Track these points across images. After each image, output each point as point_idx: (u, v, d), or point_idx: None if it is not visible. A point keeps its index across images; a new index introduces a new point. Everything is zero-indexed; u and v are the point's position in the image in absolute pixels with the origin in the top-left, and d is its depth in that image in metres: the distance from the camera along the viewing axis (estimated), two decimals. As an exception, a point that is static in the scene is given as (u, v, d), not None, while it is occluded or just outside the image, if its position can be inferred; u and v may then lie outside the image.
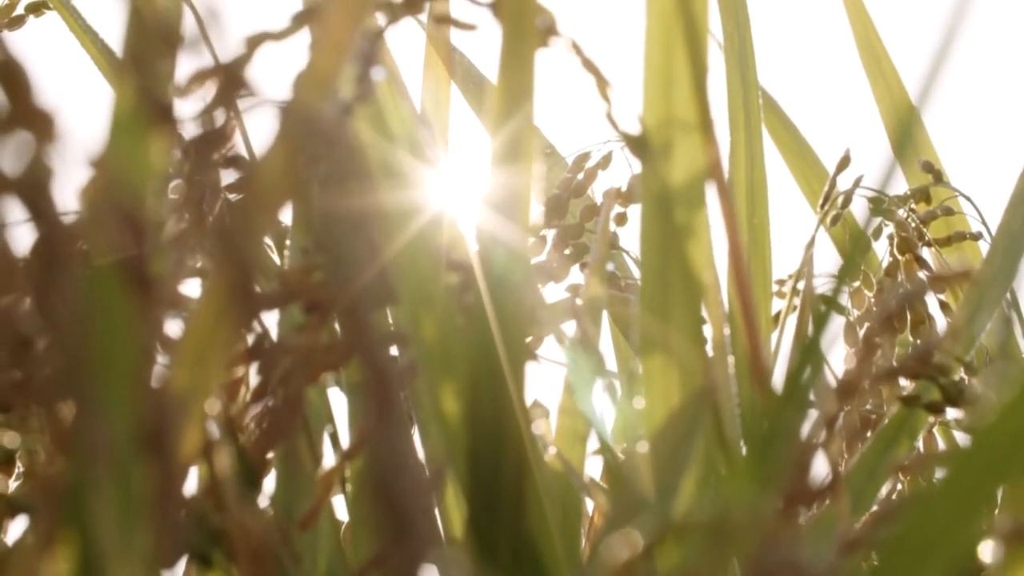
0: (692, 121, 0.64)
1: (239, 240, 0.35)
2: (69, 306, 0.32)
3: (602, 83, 0.64)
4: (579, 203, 0.92)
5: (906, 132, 0.78)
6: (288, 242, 0.78)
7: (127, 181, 0.37)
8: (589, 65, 0.64)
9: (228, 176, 0.83)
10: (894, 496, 0.81)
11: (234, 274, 0.34)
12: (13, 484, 0.70)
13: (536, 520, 0.60)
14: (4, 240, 0.40)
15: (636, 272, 0.97)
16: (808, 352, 0.46)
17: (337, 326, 0.69)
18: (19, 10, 0.96)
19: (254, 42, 0.55)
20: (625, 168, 0.90)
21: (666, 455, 0.61)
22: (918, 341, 0.85)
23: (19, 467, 0.70)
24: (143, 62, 0.39)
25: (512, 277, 0.61)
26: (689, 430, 0.62)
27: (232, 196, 0.83)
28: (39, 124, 0.32)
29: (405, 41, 0.70)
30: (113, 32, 0.97)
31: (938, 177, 0.98)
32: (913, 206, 0.95)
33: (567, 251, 0.89)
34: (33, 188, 0.34)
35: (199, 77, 0.54)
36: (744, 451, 0.69)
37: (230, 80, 0.57)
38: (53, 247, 0.33)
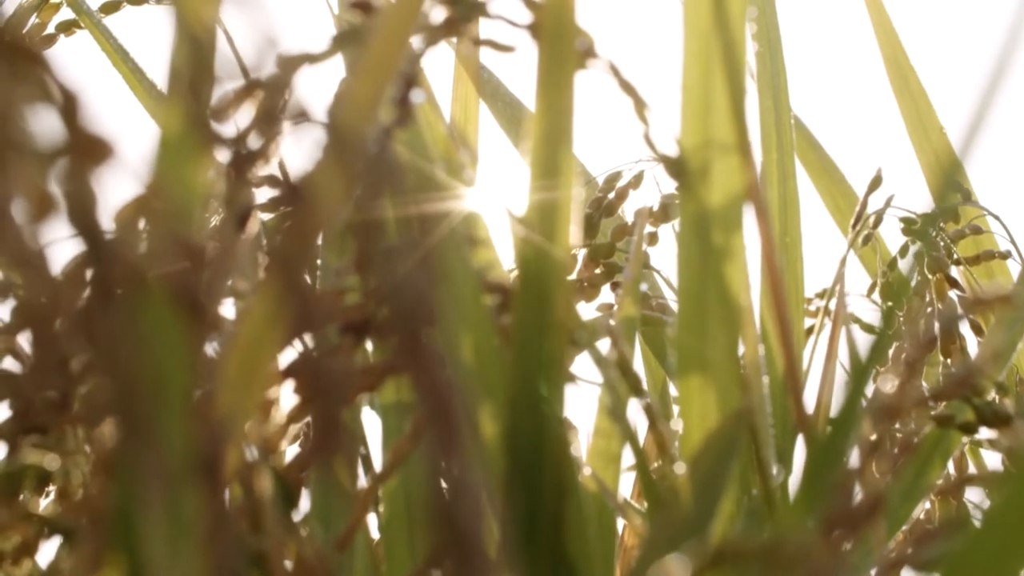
0: (729, 142, 0.63)
1: (290, 261, 0.35)
2: (122, 329, 0.32)
3: (640, 104, 0.64)
4: (610, 222, 0.92)
5: (950, 178, 0.77)
6: (319, 262, 0.78)
7: (179, 204, 0.37)
8: (627, 87, 0.64)
9: (265, 196, 0.83)
10: (927, 517, 0.81)
11: (288, 296, 0.33)
12: (44, 504, 0.70)
13: (575, 542, 0.59)
14: (45, 263, 0.40)
15: (667, 292, 0.97)
16: (861, 378, 0.45)
17: (377, 347, 0.69)
18: (50, 29, 0.96)
19: (293, 64, 0.55)
20: (656, 188, 0.90)
21: (704, 476, 0.61)
22: (949, 362, 0.85)
23: (51, 488, 0.70)
24: (195, 84, 0.38)
25: (550, 297, 0.61)
26: (726, 451, 0.62)
27: (269, 217, 0.83)
28: (95, 151, 0.32)
29: (433, 60, 0.70)
30: (145, 52, 0.97)
31: (966, 196, 0.98)
32: (942, 225, 0.95)
33: (598, 270, 0.88)
34: (86, 213, 0.33)
35: (239, 98, 0.54)
36: (777, 471, 0.68)
37: (270, 101, 0.57)
38: (106, 271, 0.32)
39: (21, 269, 0.39)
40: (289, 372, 0.65)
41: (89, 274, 0.34)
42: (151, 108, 0.96)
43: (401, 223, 0.59)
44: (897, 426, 0.57)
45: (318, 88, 0.57)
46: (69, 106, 0.31)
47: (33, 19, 0.95)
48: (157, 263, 0.36)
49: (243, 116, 0.55)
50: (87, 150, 0.31)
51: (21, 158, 0.33)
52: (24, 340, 0.61)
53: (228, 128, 0.44)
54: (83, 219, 0.33)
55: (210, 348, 0.40)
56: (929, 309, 0.90)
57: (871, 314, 0.90)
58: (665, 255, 0.94)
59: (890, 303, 0.85)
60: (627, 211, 0.92)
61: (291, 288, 0.34)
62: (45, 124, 0.33)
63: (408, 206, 0.36)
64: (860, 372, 0.46)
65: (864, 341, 0.66)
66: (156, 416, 0.32)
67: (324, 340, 0.34)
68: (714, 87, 0.64)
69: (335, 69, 0.72)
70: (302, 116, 0.38)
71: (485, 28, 0.65)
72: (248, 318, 0.49)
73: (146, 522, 0.41)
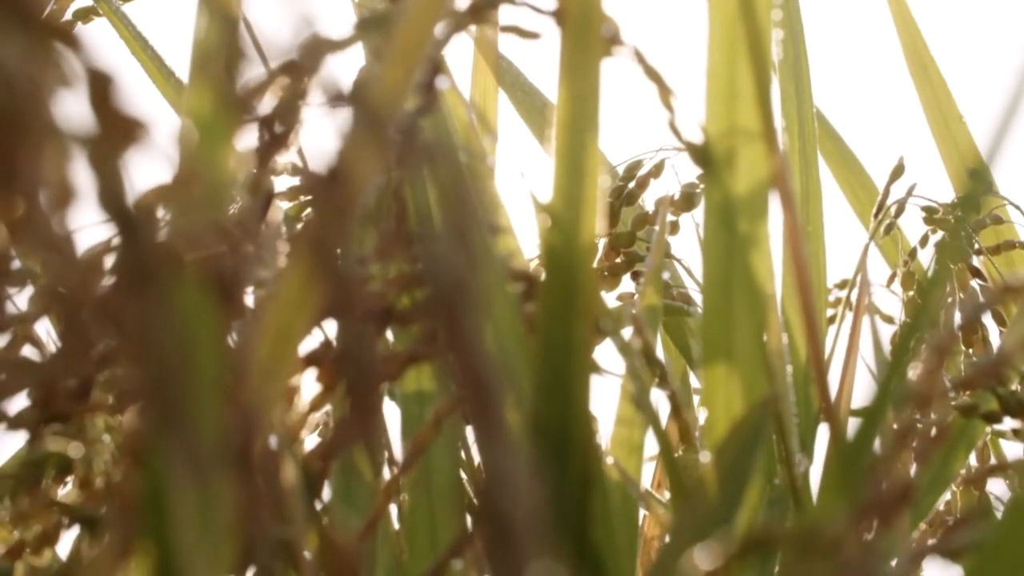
0: (755, 129, 0.63)
1: (323, 244, 0.35)
2: (155, 315, 0.31)
3: (664, 91, 0.63)
4: (630, 211, 0.92)
5: (973, 169, 0.77)
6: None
7: (211, 187, 0.37)
8: (652, 73, 0.63)
9: (288, 182, 0.82)
10: (948, 508, 0.81)
11: (322, 279, 0.33)
12: (64, 492, 0.69)
13: (600, 532, 0.59)
14: (72, 248, 0.39)
15: (687, 281, 0.96)
16: (896, 367, 0.45)
17: (398, 335, 0.69)
18: (67, 16, 0.96)
19: (320, 48, 0.55)
20: (676, 176, 0.89)
21: (729, 465, 0.61)
22: (972, 352, 0.84)
23: (71, 477, 0.70)
24: (228, 66, 0.38)
25: (575, 286, 0.60)
26: (752, 440, 0.61)
27: (288, 204, 0.83)
28: (128, 133, 0.32)
29: (452, 47, 0.70)
30: (164, 39, 0.96)
31: (988, 186, 0.97)
32: (961, 214, 0.94)
33: (618, 259, 0.88)
34: (118, 196, 0.33)
35: (268, 82, 0.54)
36: (799, 460, 0.68)
37: (297, 85, 0.57)
38: (139, 256, 0.32)
39: (47, 254, 0.38)
40: (317, 359, 0.65)
41: (119, 259, 0.33)
42: (170, 96, 0.95)
43: (433, 206, 0.59)
44: (921, 416, 0.57)
45: (341, 73, 0.56)
46: (102, 87, 0.30)
47: (51, 6, 0.94)
48: (190, 248, 0.36)
49: (268, 101, 0.55)
50: (120, 132, 0.31)
51: (51, 140, 0.33)
52: (43, 328, 0.60)
53: (255, 112, 0.44)
54: (115, 203, 0.32)
55: (240, 333, 0.40)
56: (951, 299, 0.90)
57: (892, 304, 0.90)
58: (686, 244, 0.93)
59: (914, 293, 0.85)
60: (647, 200, 0.91)
61: (325, 271, 0.33)
62: (76, 105, 0.33)
63: (441, 190, 0.36)
64: (896, 360, 0.46)
65: (886, 331, 0.66)
66: (189, 403, 0.31)
67: (356, 325, 0.33)
68: (739, 73, 0.64)
69: (355, 56, 0.71)
70: (331, 100, 0.38)
71: (509, 14, 0.64)
72: (275, 303, 0.49)
73: (176, 510, 0.41)
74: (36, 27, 0.31)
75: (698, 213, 0.90)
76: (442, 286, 0.34)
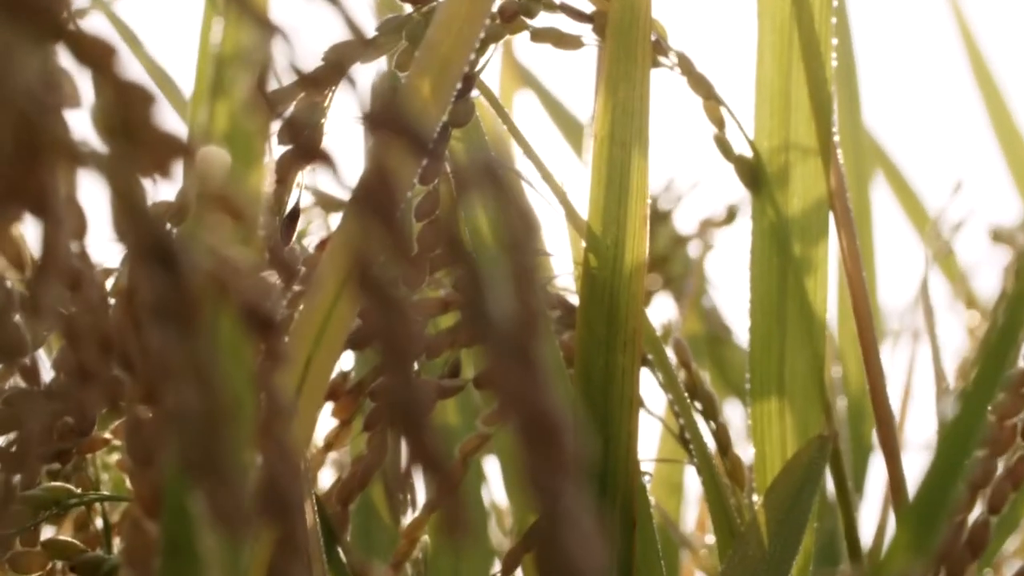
0: (811, 145, 0.62)
1: (368, 269, 0.34)
2: (197, 356, 0.30)
3: (712, 103, 0.63)
4: (663, 230, 0.91)
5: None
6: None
7: (242, 207, 0.36)
8: (699, 83, 0.63)
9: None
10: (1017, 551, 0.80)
11: (373, 307, 0.32)
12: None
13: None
14: (90, 277, 0.38)
15: (717, 302, 0.95)
16: (973, 407, 0.44)
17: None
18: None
19: (341, 52, 0.54)
20: (714, 193, 0.89)
21: (783, 509, 0.60)
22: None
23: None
24: (260, 75, 0.37)
25: (618, 312, 0.59)
26: (808, 481, 0.60)
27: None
28: (167, 152, 0.31)
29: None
30: (159, 41, 0.95)
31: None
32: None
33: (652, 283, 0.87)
34: (151, 219, 0.32)
35: (295, 90, 0.53)
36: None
37: (317, 89, 0.56)
38: (179, 292, 0.31)
39: (63, 283, 0.38)
40: (334, 392, 0.64)
41: (154, 293, 0.32)
42: (167, 98, 0.94)
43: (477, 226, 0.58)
44: (995, 458, 0.56)
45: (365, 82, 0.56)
46: (141, 105, 0.29)
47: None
48: (224, 279, 0.35)
49: (296, 111, 0.54)
50: (161, 154, 0.30)
51: (73, 162, 0.32)
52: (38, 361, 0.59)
53: (284, 126, 0.43)
54: (149, 231, 0.31)
55: (273, 366, 0.39)
56: None
57: (951, 329, 0.89)
58: (719, 265, 0.92)
59: (981, 319, 0.84)
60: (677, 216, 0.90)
61: (368, 297, 0.32)
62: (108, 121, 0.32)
63: (497, 209, 0.35)
64: (974, 397, 0.45)
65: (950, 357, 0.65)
66: (230, 446, 0.31)
67: (405, 356, 0.32)
68: (793, 84, 0.63)
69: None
70: (365, 112, 0.37)
71: (546, 20, 0.64)
72: (303, 332, 0.48)
73: (201, 558, 0.40)
74: (61, 37, 0.30)
75: (736, 233, 0.90)
76: (503, 316, 0.33)
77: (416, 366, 0.34)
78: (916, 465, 0.69)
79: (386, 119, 0.36)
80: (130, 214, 0.32)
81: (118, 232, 0.36)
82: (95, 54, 0.29)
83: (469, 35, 0.50)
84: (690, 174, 0.91)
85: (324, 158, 0.37)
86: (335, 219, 0.82)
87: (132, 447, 0.42)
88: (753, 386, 0.63)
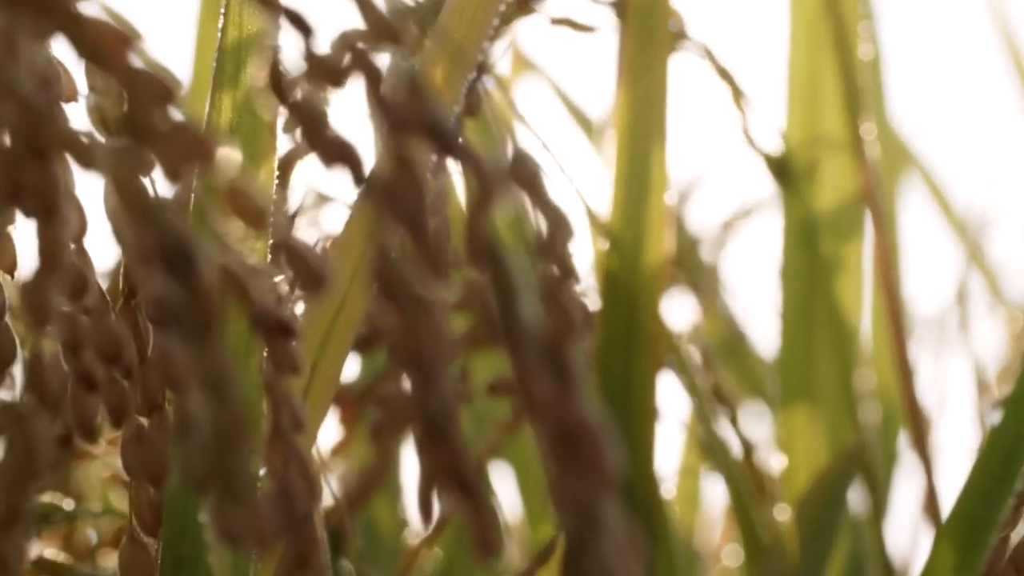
0: (842, 139, 0.62)
1: (392, 267, 0.33)
2: (215, 366, 0.30)
3: (738, 94, 0.62)
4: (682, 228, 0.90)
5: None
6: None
7: (257, 207, 0.35)
8: (724, 74, 0.62)
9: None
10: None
11: (396, 307, 0.31)
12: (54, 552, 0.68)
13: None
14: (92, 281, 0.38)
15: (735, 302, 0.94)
16: (1019, 411, 0.44)
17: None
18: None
19: (349, 41, 0.53)
20: (731, 189, 0.88)
21: (813, 523, 0.59)
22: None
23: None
24: (273, 68, 0.37)
25: (638, 315, 0.59)
26: (838, 494, 0.60)
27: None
28: (194, 151, 0.30)
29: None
30: (150, 30, 0.95)
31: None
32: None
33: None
34: (175, 226, 0.32)
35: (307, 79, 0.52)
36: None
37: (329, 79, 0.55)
38: (197, 299, 0.30)
39: (72, 290, 0.37)
40: (340, 397, 0.63)
41: (167, 299, 0.32)
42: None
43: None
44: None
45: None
46: (154, 96, 0.29)
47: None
48: (238, 284, 0.34)
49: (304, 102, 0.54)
50: (176, 148, 0.29)
51: (82, 160, 0.32)
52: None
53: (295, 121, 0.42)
54: (163, 227, 0.31)
55: (286, 373, 0.38)
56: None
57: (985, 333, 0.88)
58: (743, 263, 0.91)
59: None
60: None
61: (392, 295, 0.32)
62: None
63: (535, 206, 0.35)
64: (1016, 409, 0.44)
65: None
66: (244, 458, 0.30)
67: (436, 358, 0.32)
68: (823, 75, 0.62)
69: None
70: (376, 103, 0.36)
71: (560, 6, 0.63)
72: (311, 333, 0.48)
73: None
74: (68, 27, 0.30)
75: (756, 231, 0.89)
76: (535, 321, 0.32)
77: (446, 373, 0.33)
78: (953, 478, 0.68)
79: (407, 112, 0.35)
80: (141, 214, 0.32)
81: (123, 232, 0.36)
82: (106, 45, 0.28)
83: (483, 21, 0.49)
84: (709, 168, 0.90)
85: (336, 150, 0.36)
86: (331, 215, 0.81)
87: (133, 460, 0.42)
88: (782, 393, 0.62)
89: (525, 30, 0.77)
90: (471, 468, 0.33)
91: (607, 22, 0.62)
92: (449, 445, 0.31)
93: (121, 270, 0.47)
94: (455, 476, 0.32)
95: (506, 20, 0.60)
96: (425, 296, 0.32)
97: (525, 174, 0.33)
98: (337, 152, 0.37)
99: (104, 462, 0.64)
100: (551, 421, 0.32)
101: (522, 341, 0.32)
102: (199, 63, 0.66)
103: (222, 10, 0.45)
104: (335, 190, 0.72)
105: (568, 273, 0.34)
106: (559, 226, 0.34)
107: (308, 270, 0.36)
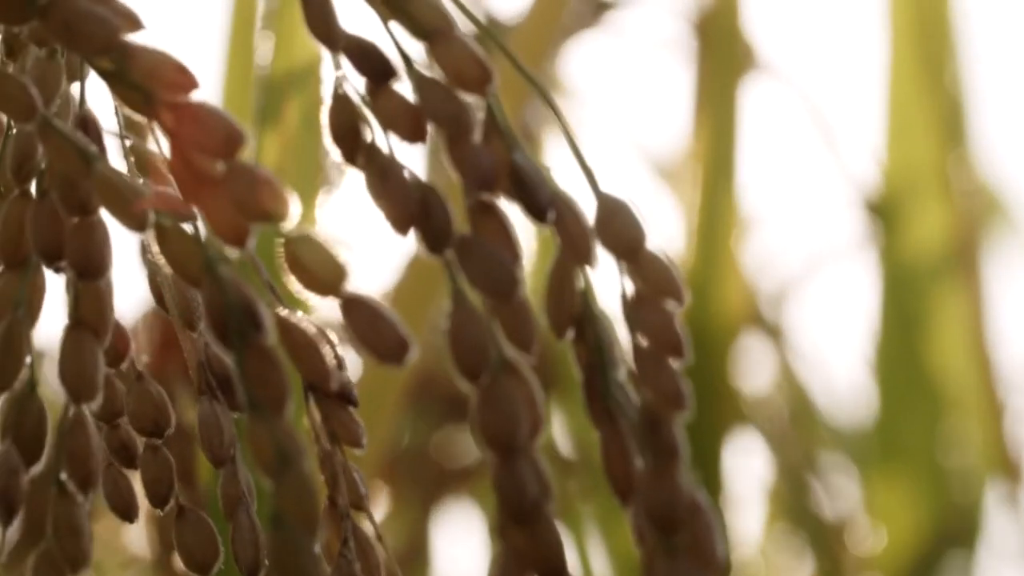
0: (941, 174, 0.60)
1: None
2: (282, 435, 0.28)
3: (826, 128, 0.61)
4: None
5: None
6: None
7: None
8: (808, 103, 0.61)
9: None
10: None
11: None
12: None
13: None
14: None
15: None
16: None
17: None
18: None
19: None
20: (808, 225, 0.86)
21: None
22: None
23: None
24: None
25: (710, 364, 0.58)
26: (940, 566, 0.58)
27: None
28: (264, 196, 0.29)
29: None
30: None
31: None
32: None
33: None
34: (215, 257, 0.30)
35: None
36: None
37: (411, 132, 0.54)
38: (265, 359, 0.29)
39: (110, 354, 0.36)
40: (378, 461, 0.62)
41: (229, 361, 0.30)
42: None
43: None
44: None
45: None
46: (218, 136, 0.27)
47: None
48: (296, 341, 0.33)
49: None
50: (253, 204, 0.28)
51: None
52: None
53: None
54: (227, 288, 0.29)
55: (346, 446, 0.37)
56: None
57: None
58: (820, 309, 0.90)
59: None
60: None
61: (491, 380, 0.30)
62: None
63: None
64: None
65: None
66: (315, 546, 0.29)
67: (532, 440, 0.30)
68: (921, 105, 0.61)
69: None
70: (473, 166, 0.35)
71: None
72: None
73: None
74: (120, 60, 0.28)
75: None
76: (633, 396, 0.31)
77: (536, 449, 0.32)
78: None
79: (495, 163, 0.34)
80: (195, 271, 0.30)
81: (161, 287, 0.34)
82: (165, 82, 0.27)
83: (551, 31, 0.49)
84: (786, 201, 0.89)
85: (413, 206, 0.34)
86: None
87: (182, 542, 0.40)
88: (877, 453, 0.61)
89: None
90: (563, 559, 0.32)
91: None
92: (541, 531, 0.30)
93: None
94: (546, 567, 0.31)
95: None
96: (517, 363, 0.30)
97: (621, 228, 0.32)
98: (419, 209, 0.35)
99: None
100: (651, 500, 0.31)
101: (615, 414, 0.31)
102: (229, 97, 0.65)
103: (260, 38, 0.45)
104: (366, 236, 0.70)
105: (672, 340, 0.33)
106: (663, 286, 0.32)
107: (386, 338, 0.34)
